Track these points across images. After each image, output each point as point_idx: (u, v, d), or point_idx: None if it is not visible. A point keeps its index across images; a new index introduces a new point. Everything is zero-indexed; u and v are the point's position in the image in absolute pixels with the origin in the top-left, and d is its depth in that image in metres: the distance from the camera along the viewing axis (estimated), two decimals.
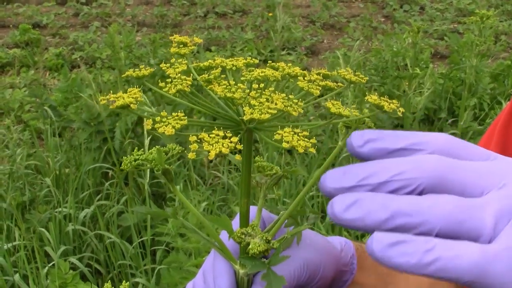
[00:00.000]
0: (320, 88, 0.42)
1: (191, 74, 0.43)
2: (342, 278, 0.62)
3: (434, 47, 4.99)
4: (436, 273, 0.32)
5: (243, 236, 0.42)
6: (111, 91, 0.40)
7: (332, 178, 0.34)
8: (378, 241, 0.32)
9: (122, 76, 0.42)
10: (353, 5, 6.65)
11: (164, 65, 0.42)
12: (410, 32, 2.93)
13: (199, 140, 0.36)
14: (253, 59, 0.44)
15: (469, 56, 2.80)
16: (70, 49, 5.11)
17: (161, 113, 0.38)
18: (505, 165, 0.36)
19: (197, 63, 0.44)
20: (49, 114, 2.78)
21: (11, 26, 5.77)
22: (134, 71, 0.42)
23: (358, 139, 0.36)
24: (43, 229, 2.06)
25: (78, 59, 4.84)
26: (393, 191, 0.33)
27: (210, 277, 0.50)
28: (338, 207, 0.33)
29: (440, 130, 2.95)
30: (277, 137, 0.37)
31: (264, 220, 0.53)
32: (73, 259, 2.01)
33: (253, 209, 0.49)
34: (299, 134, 0.37)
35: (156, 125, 0.37)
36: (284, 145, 0.36)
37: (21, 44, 5.10)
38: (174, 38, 0.45)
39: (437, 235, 0.32)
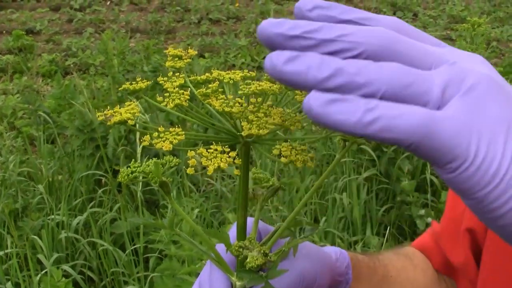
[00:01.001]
0: None
1: (189, 89, 0.43)
2: None
3: None
4: (379, 133, 0.30)
5: (240, 250, 0.42)
6: (108, 107, 0.39)
7: (275, 23, 0.32)
8: (316, 98, 0.30)
9: (119, 89, 0.42)
10: None
11: (162, 78, 0.42)
12: None
13: (197, 155, 0.36)
14: (250, 72, 0.44)
15: None
16: (64, 55, 5.10)
17: (159, 128, 0.38)
18: (457, 51, 0.35)
19: (192, 72, 0.44)
20: (42, 120, 2.77)
21: (4, 32, 5.76)
22: (131, 84, 0.42)
23: (308, 3, 0.34)
24: (35, 237, 2.05)
25: (72, 65, 4.83)
26: (335, 52, 0.32)
27: None
28: (279, 58, 0.31)
29: None
30: (275, 152, 0.37)
31: (260, 231, 0.53)
32: (65, 267, 1.99)
33: (249, 221, 0.49)
34: (297, 148, 0.37)
35: (154, 141, 0.37)
36: (283, 160, 0.36)
37: (14, 50, 5.09)
38: (169, 52, 0.45)
39: (382, 98, 0.31)
